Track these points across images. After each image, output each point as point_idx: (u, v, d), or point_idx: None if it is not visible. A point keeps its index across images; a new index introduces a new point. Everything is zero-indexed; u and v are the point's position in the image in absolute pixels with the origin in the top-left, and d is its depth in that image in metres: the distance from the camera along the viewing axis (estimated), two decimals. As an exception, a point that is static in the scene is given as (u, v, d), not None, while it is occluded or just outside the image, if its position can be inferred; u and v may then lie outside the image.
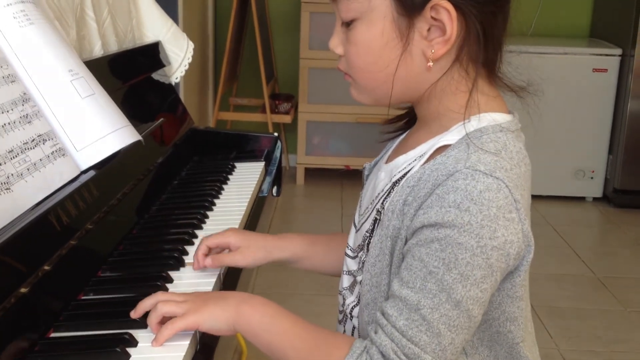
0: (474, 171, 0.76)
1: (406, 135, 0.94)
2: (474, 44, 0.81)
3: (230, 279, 1.06)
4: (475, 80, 0.83)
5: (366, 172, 1.00)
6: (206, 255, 1.02)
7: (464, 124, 0.81)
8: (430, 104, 0.85)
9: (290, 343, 0.82)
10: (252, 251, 1.03)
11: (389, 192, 0.86)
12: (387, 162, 0.92)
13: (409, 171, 0.84)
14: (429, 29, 0.80)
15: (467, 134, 0.80)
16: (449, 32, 0.79)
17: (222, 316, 0.83)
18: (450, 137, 0.82)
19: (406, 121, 0.97)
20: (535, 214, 3.46)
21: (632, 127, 3.52)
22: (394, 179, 0.86)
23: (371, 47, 0.82)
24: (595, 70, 3.57)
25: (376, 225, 0.86)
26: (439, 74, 0.82)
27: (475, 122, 0.81)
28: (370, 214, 0.89)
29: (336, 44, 0.86)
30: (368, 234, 0.88)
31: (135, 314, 0.86)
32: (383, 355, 0.76)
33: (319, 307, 2.40)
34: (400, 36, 0.80)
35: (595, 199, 3.75)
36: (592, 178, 3.70)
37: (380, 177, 0.91)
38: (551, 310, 2.53)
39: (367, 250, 0.87)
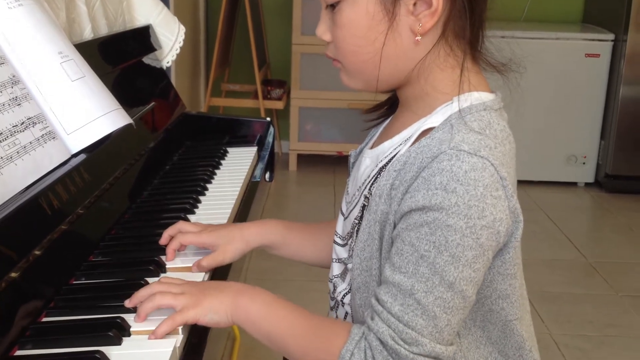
0: (458, 151, 0.76)
1: (390, 120, 0.94)
2: (460, 18, 0.81)
3: (222, 266, 1.05)
4: (464, 57, 0.82)
5: (352, 160, 0.99)
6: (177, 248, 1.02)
7: (451, 103, 0.81)
8: (417, 83, 0.84)
9: (289, 331, 0.82)
10: (232, 247, 1.02)
11: (376, 178, 0.85)
12: (371, 147, 0.92)
13: (394, 155, 0.84)
14: (414, 4, 0.79)
15: (451, 114, 0.80)
16: (435, 5, 0.78)
17: (220, 309, 0.83)
18: (435, 119, 0.82)
19: (387, 108, 0.96)
20: (527, 199, 3.47)
21: (624, 113, 3.53)
22: (380, 165, 0.86)
23: (358, 27, 0.81)
24: (588, 55, 3.57)
25: (364, 211, 0.86)
26: (426, 50, 0.82)
27: (460, 102, 0.81)
28: (358, 200, 0.89)
29: (323, 31, 0.86)
30: (357, 221, 0.88)
31: (130, 303, 0.85)
32: (381, 342, 0.76)
33: (311, 294, 2.39)
34: (386, 12, 0.80)
35: (587, 184, 3.76)
36: (584, 163, 3.71)
37: (366, 163, 0.90)
38: (543, 295, 2.54)
39: (357, 236, 0.87)
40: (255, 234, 1.05)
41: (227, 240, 1.02)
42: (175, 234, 1.02)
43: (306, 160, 3.91)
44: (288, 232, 1.07)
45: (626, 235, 3.16)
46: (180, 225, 1.04)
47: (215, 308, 0.83)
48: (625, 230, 3.22)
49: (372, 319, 0.78)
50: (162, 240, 1.02)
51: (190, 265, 0.99)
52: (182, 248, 1.03)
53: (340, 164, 3.86)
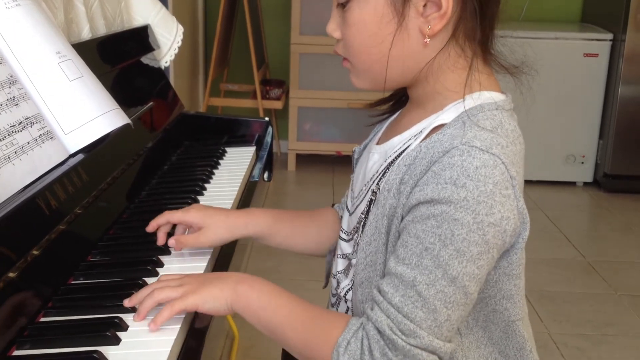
0: (470, 147, 0.76)
1: (398, 116, 0.94)
2: (470, 19, 0.81)
3: (222, 263, 1.05)
4: (473, 57, 0.83)
5: (356, 156, 0.99)
6: (168, 231, 1.03)
7: (462, 101, 0.81)
8: (427, 83, 0.84)
9: (288, 320, 0.82)
10: (215, 231, 1.01)
11: (385, 172, 0.85)
12: (378, 143, 0.92)
13: (404, 150, 0.84)
14: (424, 5, 0.79)
15: (463, 112, 0.80)
16: (444, 7, 0.78)
17: (220, 297, 0.83)
18: (447, 115, 0.82)
19: (392, 104, 0.96)
20: (526, 199, 3.43)
21: (622, 112, 3.53)
22: (389, 160, 0.86)
23: (367, 26, 0.82)
24: (586, 55, 3.57)
25: (371, 205, 0.86)
26: (435, 51, 0.82)
27: (471, 101, 0.81)
28: (365, 195, 0.89)
29: (334, 28, 0.86)
30: (363, 216, 0.88)
31: (130, 302, 0.85)
32: (379, 332, 0.76)
33: (310, 293, 2.38)
34: (396, 13, 0.80)
35: (585, 183, 3.76)
36: (582, 163, 3.71)
37: (374, 158, 0.90)
38: (542, 294, 2.54)
39: (362, 230, 0.87)
40: (240, 224, 1.03)
41: (212, 224, 1.01)
42: (163, 222, 1.02)
43: (305, 160, 3.91)
44: (275, 222, 1.05)
45: (625, 235, 3.16)
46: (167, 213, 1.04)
47: (215, 295, 0.83)
48: (624, 230, 3.22)
49: (372, 309, 0.78)
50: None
51: (188, 265, 0.99)
52: (178, 247, 1.03)
53: (339, 163, 3.86)
